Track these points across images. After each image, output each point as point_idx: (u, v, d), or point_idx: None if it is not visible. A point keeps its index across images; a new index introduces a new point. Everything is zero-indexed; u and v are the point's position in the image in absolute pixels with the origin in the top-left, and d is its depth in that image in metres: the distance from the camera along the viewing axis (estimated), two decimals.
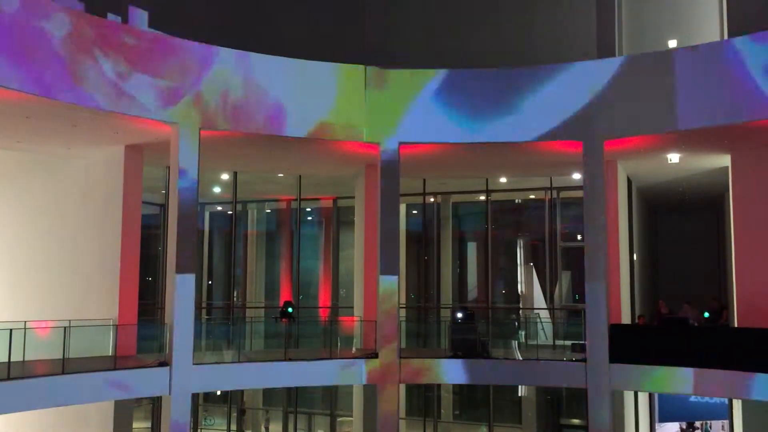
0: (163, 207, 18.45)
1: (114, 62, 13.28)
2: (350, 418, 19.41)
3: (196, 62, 14.43)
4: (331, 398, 21.37)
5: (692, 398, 17.73)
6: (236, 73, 14.86)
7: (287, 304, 16.66)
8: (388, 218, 16.17)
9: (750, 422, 16.23)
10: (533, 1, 18.46)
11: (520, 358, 16.41)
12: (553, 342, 18.94)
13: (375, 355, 15.84)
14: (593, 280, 15.32)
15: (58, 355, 12.98)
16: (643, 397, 18.19)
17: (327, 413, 21.49)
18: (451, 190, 21.46)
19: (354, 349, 17.13)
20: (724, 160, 16.86)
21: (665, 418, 18.13)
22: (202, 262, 21.64)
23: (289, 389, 20.57)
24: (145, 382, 13.95)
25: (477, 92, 15.89)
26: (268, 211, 23.81)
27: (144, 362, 14.29)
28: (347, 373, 15.90)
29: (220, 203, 22.72)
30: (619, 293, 17.27)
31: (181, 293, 14.22)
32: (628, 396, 17.27)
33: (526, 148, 16.19)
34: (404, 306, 19.74)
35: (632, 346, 15.17)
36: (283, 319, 16.39)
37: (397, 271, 16.23)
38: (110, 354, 14.22)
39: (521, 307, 21.13)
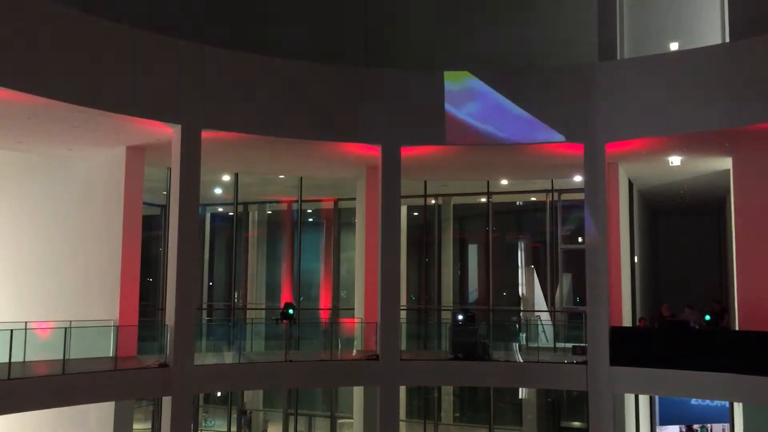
0: (165, 208, 18.45)
1: (117, 64, 13.32)
2: (351, 420, 19.40)
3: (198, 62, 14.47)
4: (332, 400, 21.37)
5: (693, 401, 17.71)
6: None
7: (288, 305, 16.62)
8: (389, 220, 16.17)
9: (751, 425, 16.19)
10: (535, 2, 18.45)
11: (521, 361, 16.39)
12: (554, 344, 18.92)
13: (376, 357, 15.84)
14: (594, 283, 15.32)
15: (59, 356, 12.98)
16: (643, 400, 18.16)
17: (327, 415, 21.48)
18: (452, 192, 21.47)
19: (355, 350, 17.12)
20: (726, 163, 16.86)
21: (666, 421, 18.10)
22: (203, 264, 21.63)
23: (289, 391, 20.55)
24: (145, 383, 13.95)
25: (479, 94, 15.91)
26: (270, 212, 23.81)
27: (144, 363, 14.29)
28: (348, 375, 15.92)
29: (221, 204, 22.72)
30: (620, 296, 17.27)
31: (181, 294, 14.23)
32: (629, 399, 17.25)
33: (527, 150, 16.19)
34: (405, 308, 19.72)
35: (633, 348, 15.15)
36: (284, 321, 16.37)
37: (398, 272, 16.25)
38: (111, 355, 14.22)
39: (522, 309, 21.12)
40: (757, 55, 13.71)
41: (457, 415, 22.25)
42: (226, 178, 20.06)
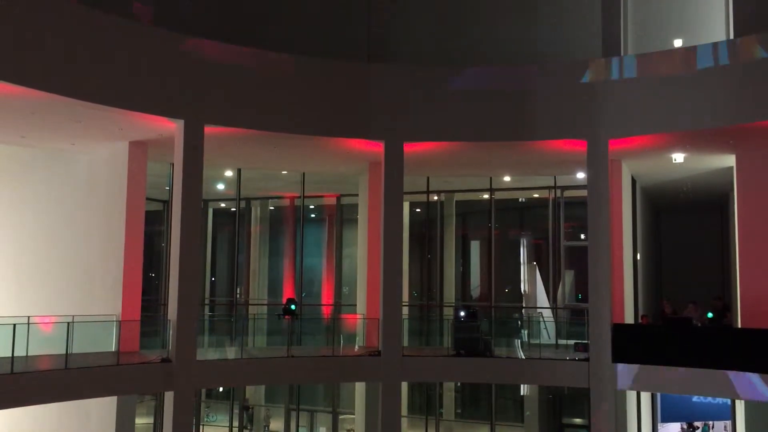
0: (167, 203, 18.46)
1: (120, 59, 13.32)
2: (352, 416, 19.43)
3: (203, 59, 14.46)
4: (334, 396, 21.39)
5: (695, 399, 17.71)
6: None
7: (290, 301, 16.65)
8: (391, 216, 16.16)
9: (753, 423, 16.19)
10: None
11: (523, 357, 16.40)
12: (556, 341, 18.93)
13: (378, 353, 15.85)
14: (596, 280, 15.31)
15: (62, 351, 13.01)
16: (645, 397, 18.16)
17: (329, 410, 21.51)
18: (455, 189, 21.44)
19: (357, 346, 17.13)
20: (729, 160, 16.82)
21: (667, 418, 18.11)
22: (205, 259, 21.65)
23: (291, 386, 20.58)
24: (147, 378, 13.98)
25: (482, 90, 15.87)
26: (272, 208, 23.82)
27: (147, 358, 14.31)
28: (350, 371, 15.93)
29: (223, 200, 22.73)
30: (623, 293, 17.26)
31: (184, 290, 14.24)
32: (631, 396, 17.24)
33: (530, 146, 16.16)
34: (407, 304, 19.73)
35: (635, 345, 15.15)
36: (286, 317, 16.39)
37: (400, 269, 16.25)
38: (113, 350, 14.25)
39: (524, 306, 21.10)
40: (761, 51, 13.66)
41: (459, 411, 22.28)
42: (229, 173, 20.06)
